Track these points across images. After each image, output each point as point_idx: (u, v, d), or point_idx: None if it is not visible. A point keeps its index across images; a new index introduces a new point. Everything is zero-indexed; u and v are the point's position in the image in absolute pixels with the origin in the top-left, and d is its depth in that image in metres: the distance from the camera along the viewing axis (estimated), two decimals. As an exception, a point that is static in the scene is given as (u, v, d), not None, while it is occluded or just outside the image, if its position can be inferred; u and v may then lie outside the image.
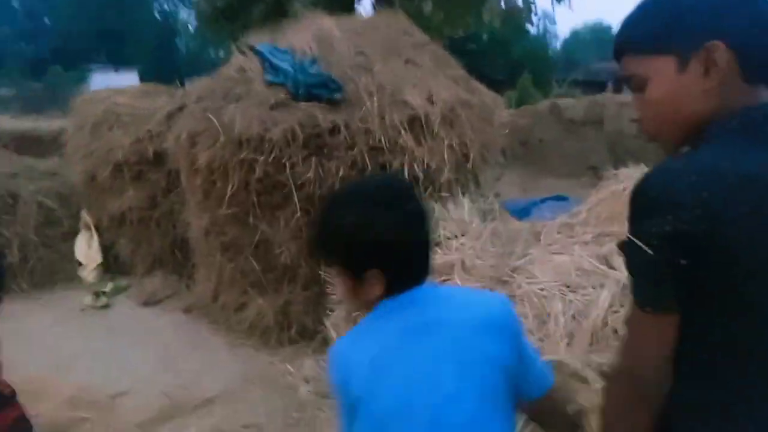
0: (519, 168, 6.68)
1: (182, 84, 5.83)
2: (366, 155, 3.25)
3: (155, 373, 3.30)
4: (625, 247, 0.87)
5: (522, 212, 4.83)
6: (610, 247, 2.72)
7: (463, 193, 3.45)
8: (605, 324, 2.20)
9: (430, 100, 3.45)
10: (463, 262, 2.69)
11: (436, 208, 3.27)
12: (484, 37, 23.63)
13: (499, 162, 6.68)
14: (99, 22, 33.52)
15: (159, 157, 4.35)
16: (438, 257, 2.76)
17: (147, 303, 4.44)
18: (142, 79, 28.13)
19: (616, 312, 2.24)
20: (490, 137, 3.93)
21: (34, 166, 5.44)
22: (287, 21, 4.66)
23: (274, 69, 3.39)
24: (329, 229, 1.04)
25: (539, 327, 2.25)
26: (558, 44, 41.56)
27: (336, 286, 1.14)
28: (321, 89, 3.29)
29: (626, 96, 6.18)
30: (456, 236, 3.07)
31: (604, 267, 2.58)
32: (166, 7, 38.86)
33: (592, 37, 43.35)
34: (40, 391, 3.21)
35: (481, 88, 4.30)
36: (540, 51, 25.70)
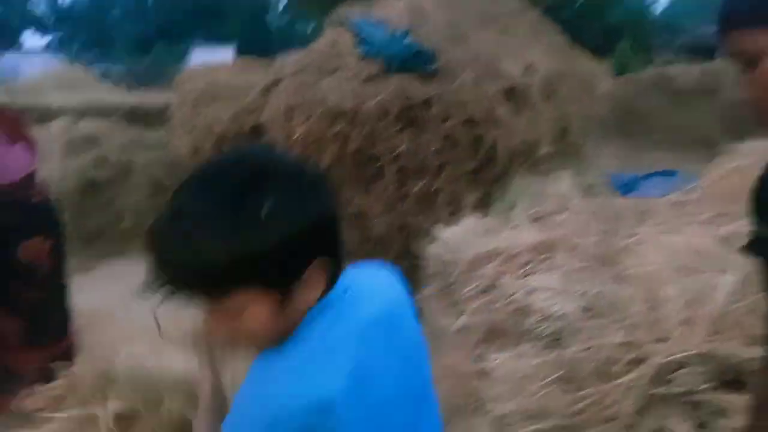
0: (619, 141, 6.30)
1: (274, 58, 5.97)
2: (461, 128, 3.18)
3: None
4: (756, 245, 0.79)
5: (626, 188, 4.56)
6: (732, 228, 2.49)
7: (563, 168, 3.29)
8: (726, 313, 2.03)
9: (528, 71, 3.29)
10: (563, 241, 2.57)
11: (534, 183, 3.16)
12: (579, 1, 22.34)
13: (599, 135, 6.35)
14: (196, 1, 35.12)
15: (256, 130, 4.51)
16: (537, 235, 2.66)
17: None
18: (238, 54, 29.34)
19: (739, 302, 2.05)
20: (591, 109, 3.72)
21: (144, 139, 5.83)
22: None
23: (368, 42, 3.37)
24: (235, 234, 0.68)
25: (649, 313, 2.11)
26: (658, 8, 38.46)
27: (242, 321, 0.73)
28: (414, 61, 3.24)
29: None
30: (556, 213, 2.95)
31: (724, 250, 2.36)
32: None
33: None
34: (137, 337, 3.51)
35: (581, 56, 4.06)
36: (639, 15, 23.89)
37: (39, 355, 2.38)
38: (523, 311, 2.25)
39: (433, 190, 3.28)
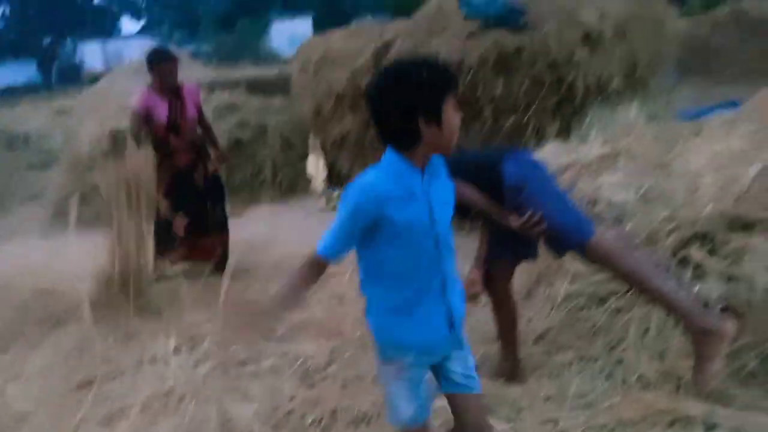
0: (698, 78, 6.67)
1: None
2: (546, 71, 3.95)
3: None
4: None
5: (693, 118, 5.10)
6: (764, 135, 3.16)
7: (631, 100, 3.98)
8: (747, 191, 2.73)
9: (602, 17, 3.98)
10: (627, 151, 3.34)
11: (606, 113, 3.89)
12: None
13: (671, 73, 6.76)
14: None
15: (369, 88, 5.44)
16: (604, 149, 3.43)
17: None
18: (315, 24, 30.23)
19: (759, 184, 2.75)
20: (661, 48, 4.32)
21: (271, 104, 6.98)
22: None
23: (468, 4, 4.18)
24: (411, 82, 1.32)
25: (687, 196, 2.85)
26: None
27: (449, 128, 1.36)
28: (507, 18, 4.02)
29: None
30: (623, 135, 3.69)
31: (754, 151, 3.04)
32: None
33: None
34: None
35: (653, 0, 4.62)
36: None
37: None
38: (594, 202, 3.08)
39: (523, 123, 4.10)
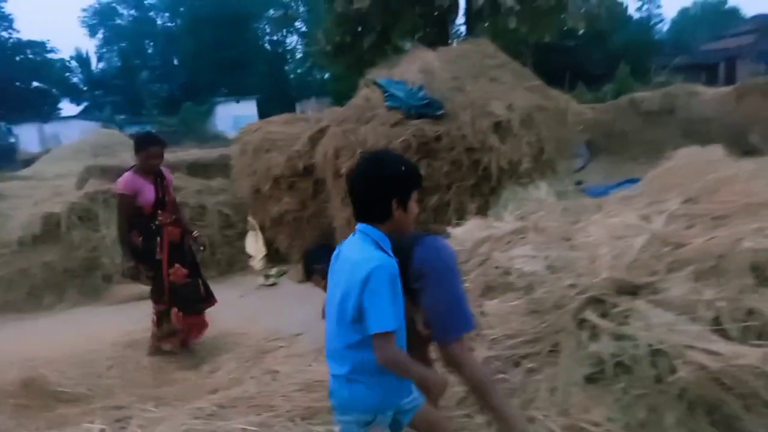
0: (605, 157, 7.40)
1: (294, 108, 7.24)
2: (463, 155, 4.36)
3: (320, 322, 4.60)
4: None
5: (601, 194, 5.65)
6: (653, 209, 3.59)
7: (541, 179, 4.43)
8: (637, 259, 3.07)
9: (510, 109, 4.48)
10: (537, 226, 3.70)
11: (519, 191, 4.29)
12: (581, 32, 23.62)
13: (578, 154, 7.46)
14: (218, 58, 37.22)
15: (307, 170, 5.74)
16: (519, 223, 3.78)
17: (302, 281, 5.84)
18: (260, 106, 31.11)
19: (647, 251, 3.11)
20: (564, 134, 4.87)
21: (210, 185, 7.15)
22: (394, 55, 5.91)
23: (392, 97, 4.61)
24: (392, 173, 1.71)
25: (587, 266, 3.18)
26: (666, 27, 39.32)
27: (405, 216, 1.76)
28: (427, 108, 4.46)
29: (696, 86, 6.71)
30: (534, 211, 4.07)
31: (643, 222, 3.44)
32: (275, 37, 42.27)
33: (703, 15, 40.51)
34: (244, 330, 4.67)
35: (557, 93, 5.25)
36: (640, 39, 24.94)
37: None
38: (506, 272, 3.37)
39: (445, 201, 4.45)
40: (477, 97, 4.66)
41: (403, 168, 1.74)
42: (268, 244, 6.44)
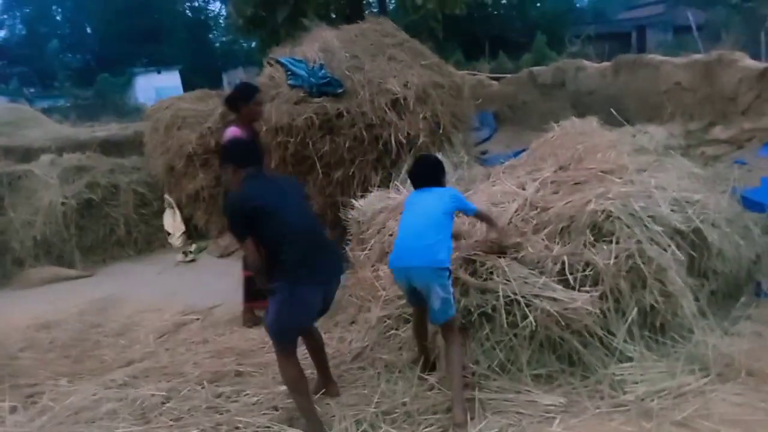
0: (509, 127, 7.90)
1: (220, 78, 7.24)
2: (363, 131, 4.63)
3: (236, 293, 4.76)
4: None
5: (501, 163, 6.09)
6: (530, 177, 4.00)
7: (438, 152, 4.77)
8: (510, 222, 3.46)
9: (407, 86, 4.77)
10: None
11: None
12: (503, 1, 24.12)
13: (485, 125, 7.90)
14: (135, 25, 35.17)
15: (219, 147, 5.82)
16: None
17: (222, 255, 6.01)
18: (183, 77, 29.83)
19: (519, 215, 3.51)
20: (460, 108, 5.23)
21: (123, 163, 7.07)
22: (302, 32, 6.04)
23: (294, 75, 4.79)
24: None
25: (468, 229, 3.56)
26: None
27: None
28: (328, 87, 4.68)
29: (581, 61, 7.26)
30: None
31: (519, 189, 3.82)
32: (196, 3, 40.31)
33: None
34: (160, 308, 4.81)
35: (452, 70, 5.58)
36: (557, 8, 25.79)
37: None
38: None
39: (349, 175, 4.72)
40: (375, 75, 4.91)
41: None
42: (186, 221, 6.51)
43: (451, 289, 2.70)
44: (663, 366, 2.78)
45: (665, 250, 3.06)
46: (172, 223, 6.56)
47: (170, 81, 28.78)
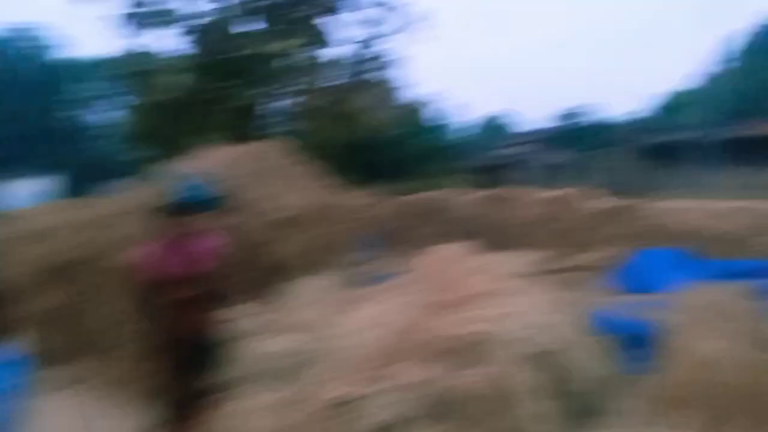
0: (394, 249, 8.21)
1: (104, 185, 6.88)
2: (244, 250, 4.58)
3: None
4: None
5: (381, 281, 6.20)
6: (402, 300, 4.10)
7: (314, 273, 4.78)
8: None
9: (288, 207, 4.88)
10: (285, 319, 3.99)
11: (302, 283, 4.61)
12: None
13: (372, 245, 8.16)
14: (13, 130, 33.44)
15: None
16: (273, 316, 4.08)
17: None
18: (65, 183, 28.21)
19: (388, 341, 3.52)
20: (340, 230, 5.39)
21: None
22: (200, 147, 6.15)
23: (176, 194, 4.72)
24: None
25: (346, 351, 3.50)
26: (474, 131, 44.72)
27: None
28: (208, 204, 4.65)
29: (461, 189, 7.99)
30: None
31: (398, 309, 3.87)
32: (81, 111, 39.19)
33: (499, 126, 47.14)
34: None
35: (343, 192, 5.83)
36: (433, 144, 28.31)
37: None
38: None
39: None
40: (262, 195, 5.00)
41: None
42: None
43: None
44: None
45: (524, 373, 3.19)
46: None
47: (52, 187, 27.07)
